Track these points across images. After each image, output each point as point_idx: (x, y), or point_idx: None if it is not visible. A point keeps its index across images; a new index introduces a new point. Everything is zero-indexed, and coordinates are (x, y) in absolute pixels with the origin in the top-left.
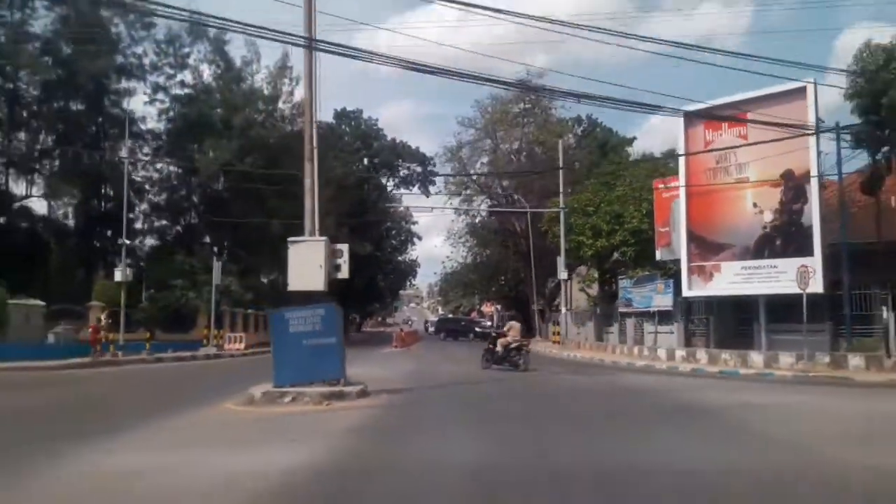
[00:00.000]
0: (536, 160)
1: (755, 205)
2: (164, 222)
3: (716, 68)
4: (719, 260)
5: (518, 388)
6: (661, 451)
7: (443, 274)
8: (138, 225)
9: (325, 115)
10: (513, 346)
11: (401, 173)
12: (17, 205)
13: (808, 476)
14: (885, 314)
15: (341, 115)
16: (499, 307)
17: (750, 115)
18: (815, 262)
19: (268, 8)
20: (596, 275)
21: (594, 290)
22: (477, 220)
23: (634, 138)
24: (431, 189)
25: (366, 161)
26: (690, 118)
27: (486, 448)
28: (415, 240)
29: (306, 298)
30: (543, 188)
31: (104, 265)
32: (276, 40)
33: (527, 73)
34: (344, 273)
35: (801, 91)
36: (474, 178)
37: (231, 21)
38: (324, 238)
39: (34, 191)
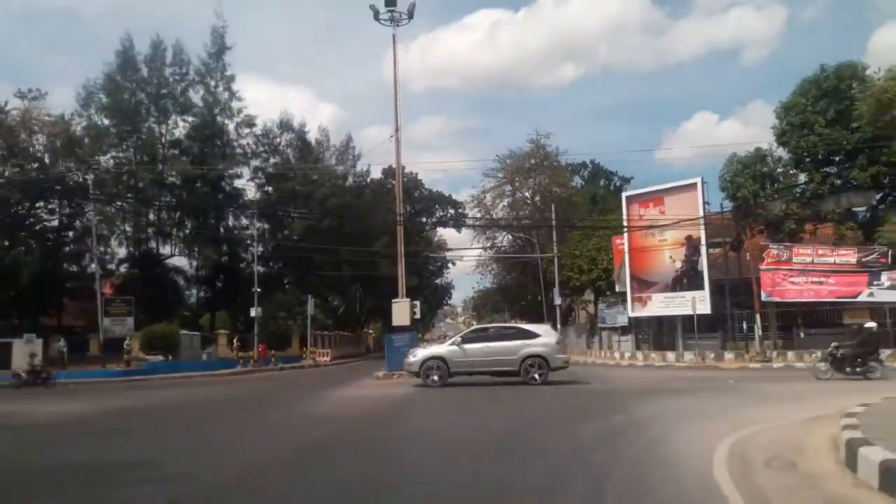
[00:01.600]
0: (548, 204)
1: (671, 257)
2: (260, 268)
3: None
4: (651, 292)
5: None
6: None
7: (475, 295)
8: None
9: (374, 173)
10: None
11: (437, 215)
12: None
13: (606, 391)
14: (744, 326)
15: (388, 172)
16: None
17: (665, 198)
18: (705, 294)
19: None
20: (592, 299)
21: (591, 309)
22: (501, 249)
23: (632, 178)
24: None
25: (408, 208)
26: (630, 200)
27: (479, 387)
28: (449, 265)
29: (386, 327)
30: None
31: (224, 303)
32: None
33: (536, 134)
34: (417, 315)
35: (695, 185)
36: (497, 220)
37: None
38: (408, 299)
39: (175, 251)
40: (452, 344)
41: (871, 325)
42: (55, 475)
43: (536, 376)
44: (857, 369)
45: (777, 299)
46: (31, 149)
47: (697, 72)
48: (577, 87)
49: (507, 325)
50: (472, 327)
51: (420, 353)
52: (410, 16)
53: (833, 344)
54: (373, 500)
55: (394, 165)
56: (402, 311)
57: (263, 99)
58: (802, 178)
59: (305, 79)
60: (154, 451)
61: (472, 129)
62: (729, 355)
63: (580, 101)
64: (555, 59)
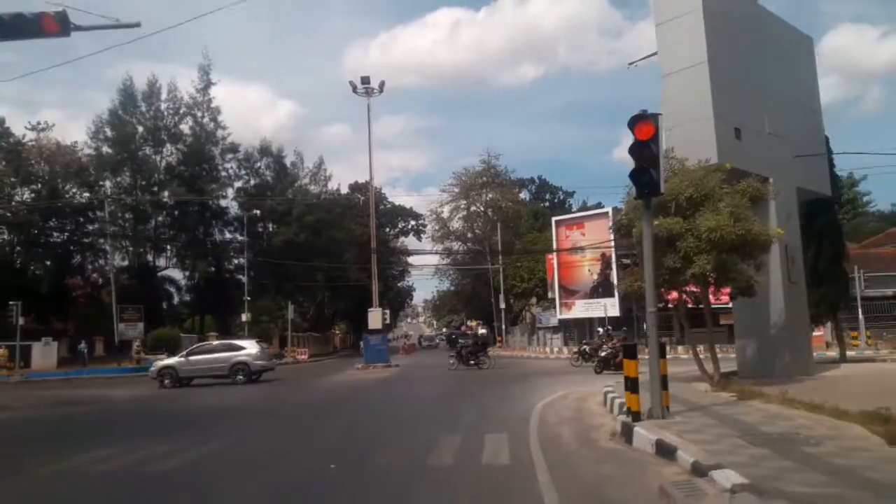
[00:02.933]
0: (499, 216)
1: (589, 270)
2: (242, 278)
3: None
4: (574, 299)
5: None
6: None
7: (434, 297)
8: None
9: (343, 188)
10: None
11: (399, 226)
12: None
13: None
14: (644, 326)
15: (355, 187)
16: (480, 322)
17: (586, 223)
18: (615, 300)
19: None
20: (535, 302)
21: (536, 311)
22: (458, 258)
23: (574, 192)
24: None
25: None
26: (558, 224)
27: (431, 367)
28: (409, 270)
29: (354, 328)
30: (501, 240)
31: (211, 308)
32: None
33: (488, 154)
34: (387, 321)
35: (607, 213)
36: (451, 230)
37: None
38: (380, 308)
39: (167, 263)
40: (181, 356)
41: (483, 331)
42: (228, 409)
43: (241, 377)
44: (472, 361)
45: (670, 305)
46: (45, 177)
47: (654, 74)
48: (538, 86)
49: (223, 341)
50: (196, 345)
51: (157, 364)
52: (381, 90)
53: (458, 345)
54: (381, 412)
55: (360, 182)
56: (375, 317)
57: (221, 96)
58: None
59: (264, 76)
60: (256, 401)
61: (432, 128)
62: None
63: (540, 100)
64: (515, 59)
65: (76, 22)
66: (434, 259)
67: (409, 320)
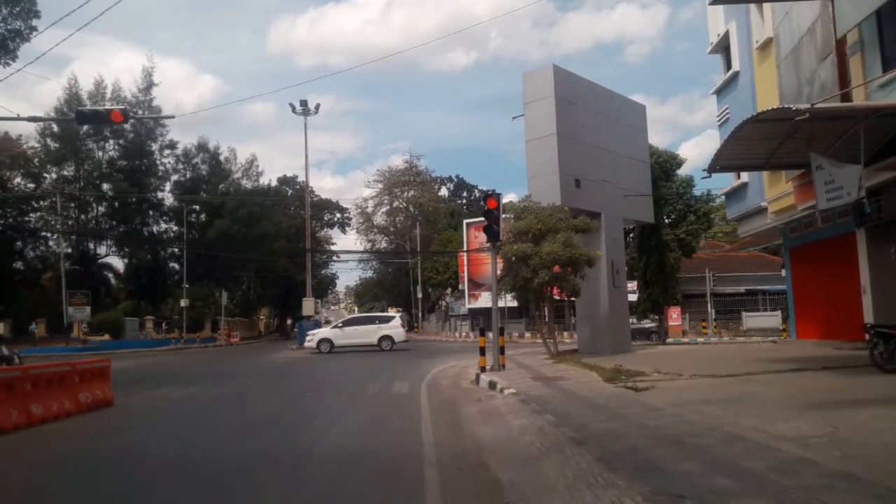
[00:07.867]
0: (420, 212)
1: None
2: (176, 266)
3: None
4: (481, 291)
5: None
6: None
7: (357, 284)
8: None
9: (273, 181)
10: None
11: (325, 218)
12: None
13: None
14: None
15: (283, 181)
16: (400, 309)
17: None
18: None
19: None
20: (449, 292)
21: (450, 301)
22: (381, 248)
23: (493, 189)
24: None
25: (301, 212)
26: (468, 225)
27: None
28: (334, 258)
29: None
30: (421, 235)
31: (146, 294)
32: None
33: (409, 155)
34: (318, 310)
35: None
36: (375, 224)
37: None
38: (313, 298)
39: (107, 250)
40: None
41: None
42: (203, 371)
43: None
44: None
45: (557, 297)
46: None
47: (582, 65)
48: (468, 73)
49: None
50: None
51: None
52: (316, 111)
53: None
54: (328, 373)
55: (288, 175)
56: (309, 306)
57: (139, 67)
58: None
59: (185, 49)
60: (226, 366)
61: (361, 111)
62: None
63: (469, 87)
64: (446, 45)
65: (131, 114)
66: (358, 248)
67: (330, 307)
